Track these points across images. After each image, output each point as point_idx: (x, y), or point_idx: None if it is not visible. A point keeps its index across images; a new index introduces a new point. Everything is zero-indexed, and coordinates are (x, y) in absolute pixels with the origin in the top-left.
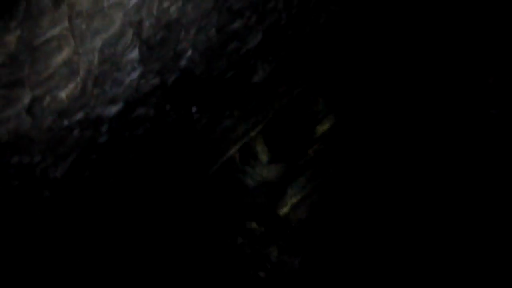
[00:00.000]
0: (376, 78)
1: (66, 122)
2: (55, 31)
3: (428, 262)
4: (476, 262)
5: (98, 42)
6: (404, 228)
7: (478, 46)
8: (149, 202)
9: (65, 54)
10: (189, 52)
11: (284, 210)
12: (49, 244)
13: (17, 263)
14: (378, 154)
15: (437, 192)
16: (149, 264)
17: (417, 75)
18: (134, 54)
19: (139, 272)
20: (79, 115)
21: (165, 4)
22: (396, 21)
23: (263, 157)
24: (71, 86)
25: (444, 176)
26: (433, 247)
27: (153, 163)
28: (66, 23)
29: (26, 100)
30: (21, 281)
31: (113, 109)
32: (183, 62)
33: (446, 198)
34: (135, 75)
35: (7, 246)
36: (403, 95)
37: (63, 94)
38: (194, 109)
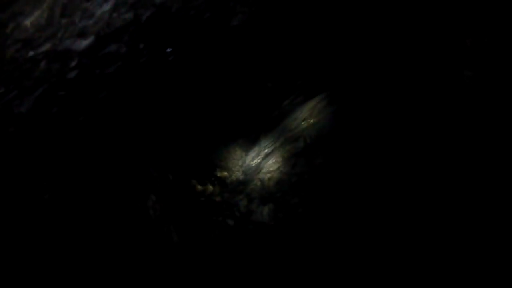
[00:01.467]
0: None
1: (31, 53)
2: None
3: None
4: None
5: None
6: (377, 196)
7: (457, 8)
8: (120, 142)
9: None
10: None
11: (256, 160)
12: (9, 179)
13: None
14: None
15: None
16: (114, 213)
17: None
18: None
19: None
20: (46, 46)
21: None
22: None
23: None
24: (36, 13)
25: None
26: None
27: (124, 104)
28: None
29: None
30: None
31: (83, 43)
32: None
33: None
34: (106, 7)
35: None
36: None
37: (27, 22)
38: (169, 49)
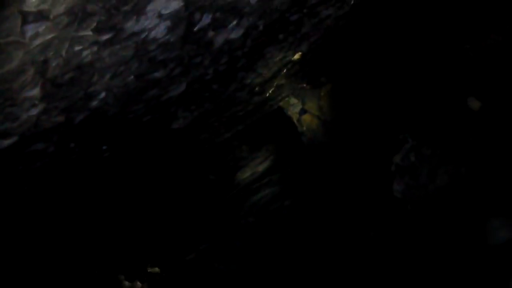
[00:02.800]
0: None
1: None
2: None
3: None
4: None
5: None
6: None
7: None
8: (45, 232)
9: None
10: (102, 94)
11: (191, 256)
12: None
13: None
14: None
15: None
16: None
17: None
18: (35, 91)
19: None
20: None
21: (77, 48)
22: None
23: None
24: None
25: None
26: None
27: (54, 196)
28: None
29: None
30: None
31: (5, 142)
32: (94, 103)
33: None
34: (34, 111)
35: None
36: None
37: None
38: (104, 147)
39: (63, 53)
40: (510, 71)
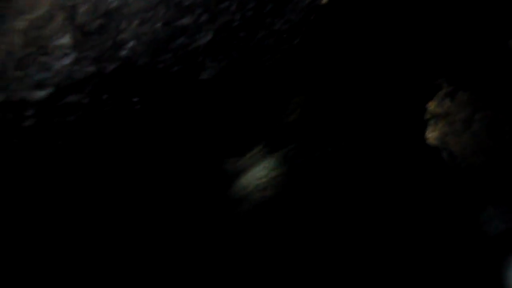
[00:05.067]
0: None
1: None
2: None
3: None
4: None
5: (21, 23)
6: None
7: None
8: (76, 192)
9: None
10: (131, 43)
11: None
12: None
13: None
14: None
15: None
16: None
17: None
18: (66, 39)
19: None
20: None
21: None
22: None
23: None
24: None
25: None
26: None
27: (86, 151)
28: None
29: None
30: None
31: (40, 94)
32: (124, 52)
33: None
34: (67, 60)
35: None
36: None
37: None
38: (135, 99)
39: None
40: None
